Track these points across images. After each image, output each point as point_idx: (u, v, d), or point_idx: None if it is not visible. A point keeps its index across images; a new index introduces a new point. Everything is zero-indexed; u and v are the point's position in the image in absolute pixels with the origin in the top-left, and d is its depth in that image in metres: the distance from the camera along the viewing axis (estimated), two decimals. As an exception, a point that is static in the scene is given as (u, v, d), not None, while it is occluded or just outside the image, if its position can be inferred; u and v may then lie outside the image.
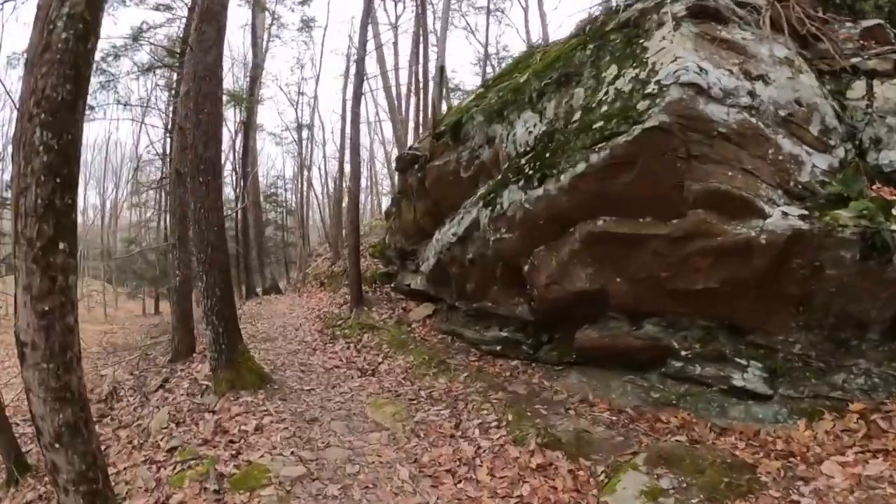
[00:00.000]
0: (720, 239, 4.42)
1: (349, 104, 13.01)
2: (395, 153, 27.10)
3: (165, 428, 6.34)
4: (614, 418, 5.39)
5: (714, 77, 4.39)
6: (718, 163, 4.31)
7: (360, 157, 11.21)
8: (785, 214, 4.42)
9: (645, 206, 4.52)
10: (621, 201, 4.55)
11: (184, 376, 8.22)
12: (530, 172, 5.17)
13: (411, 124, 17.90)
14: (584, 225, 4.85)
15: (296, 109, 27.78)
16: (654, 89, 4.29)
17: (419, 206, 8.50)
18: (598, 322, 5.58)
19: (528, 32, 21.90)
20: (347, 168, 17.84)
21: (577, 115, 4.90)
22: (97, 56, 15.39)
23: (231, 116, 22.45)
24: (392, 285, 11.22)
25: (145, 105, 20.67)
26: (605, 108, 4.59)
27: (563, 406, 5.73)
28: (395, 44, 21.43)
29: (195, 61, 7.55)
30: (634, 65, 4.59)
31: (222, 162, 26.41)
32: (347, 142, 12.73)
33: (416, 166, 8.22)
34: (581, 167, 4.55)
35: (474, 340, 7.52)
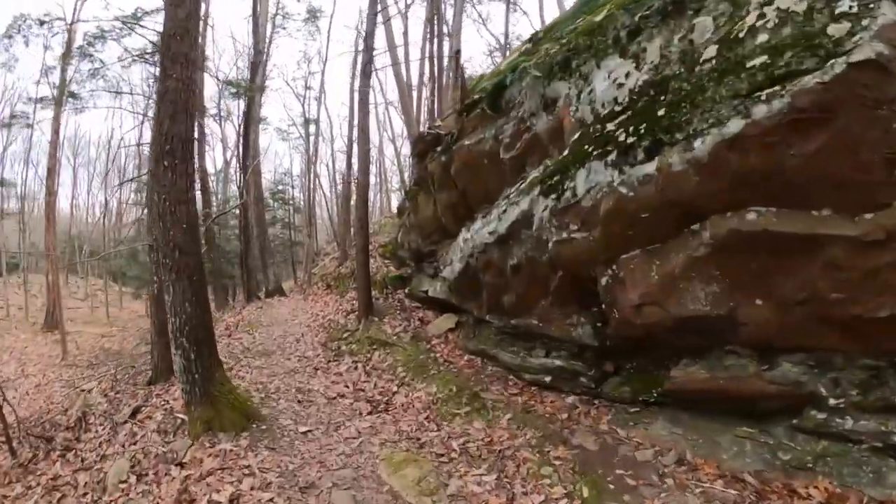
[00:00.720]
0: (939, 244, 2.68)
1: (356, 96, 11.41)
2: (405, 147, 25.48)
3: (124, 482, 4.86)
4: (733, 492, 3.67)
5: (930, -7, 2.64)
6: (949, 123, 2.55)
7: (369, 144, 9.49)
8: None
9: (824, 191, 2.77)
10: (789, 182, 2.79)
11: (158, 405, 6.61)
12: (629, 140, 3.41)
13: (424, 116, 16.16)
14: (720, 220, 3.09)
15: (302, 104, 26.35)
16: (851, 6, 2.54)
17: (441, 198, 6.72)
18: (707, 357, 3.84)
19: (542, 21, 20.04)
20: (355, 161, 16.18)
21: (710, 52, 3.12)
22: (82, 41, 13.63)
23: (237, 111, 20.87)
24: (406, 291, 9.49)
25: (148, 97, 19.05)
26: (764, 37, 2.82)
27: (655, 470, 4.00)
28: (406, 33, 19.71)
29: (166, 18, 5.87)
30: (802, -26, 2.82)
31: (227, 159, 24.88)
32: (355, 130, 11.02)
33: (439, 149, 6.44)
34: (735, 126, 2.78)
35: (513, 367, 5.79)
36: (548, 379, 5.32)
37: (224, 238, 23.42)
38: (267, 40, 19.40)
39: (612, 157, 3.53)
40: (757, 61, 2.75)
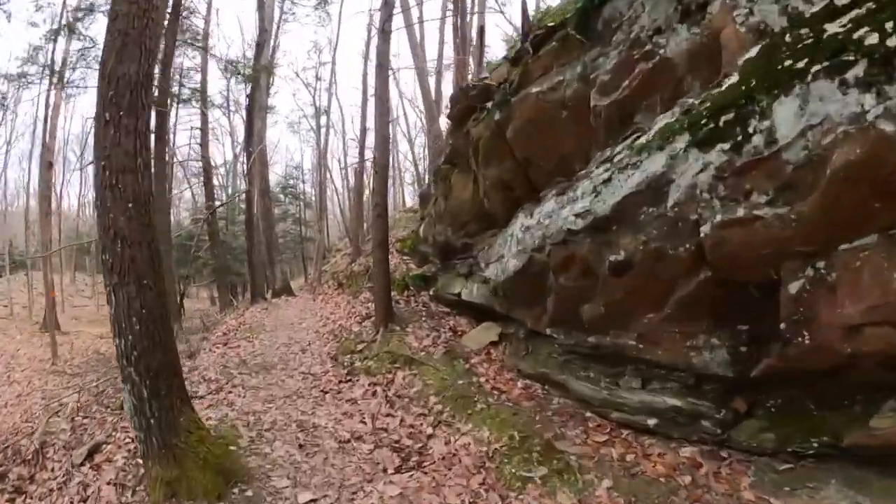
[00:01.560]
0: None
1: (371, 72, 9.87)
2: (419, 138, 23.82)
3: (54, 571, 3.22)
4: None
5: None
6: None
7: (388, 115, 7.84)
8: None
9: None
10: None
11: (121, 442, 5.06)
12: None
13: (445, 103, 14.51)
14: None
15: (313, 95, 24.77)
16: None
17: (488, 174, 5.00)
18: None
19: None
20: (368, 149, 14.58)
21: None
22: (69, 15, 12.04)
23: (245, 102, 19.30)
24: (431, 293, 7.83)
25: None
26: None
27: None
28: (420, 18, 18.07)
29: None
30: None
31: (237, 153, 23.37)
32: (370, 105, 9.38)
33: (491, 104, 4.70)
34: None
35: (593, 401, 4.12)
36: (651, 422, 3.64)
37: (231, 234, 21.95)
38: (275, 24, 17.86)
39: (859, 70, 1.86)
40: None
